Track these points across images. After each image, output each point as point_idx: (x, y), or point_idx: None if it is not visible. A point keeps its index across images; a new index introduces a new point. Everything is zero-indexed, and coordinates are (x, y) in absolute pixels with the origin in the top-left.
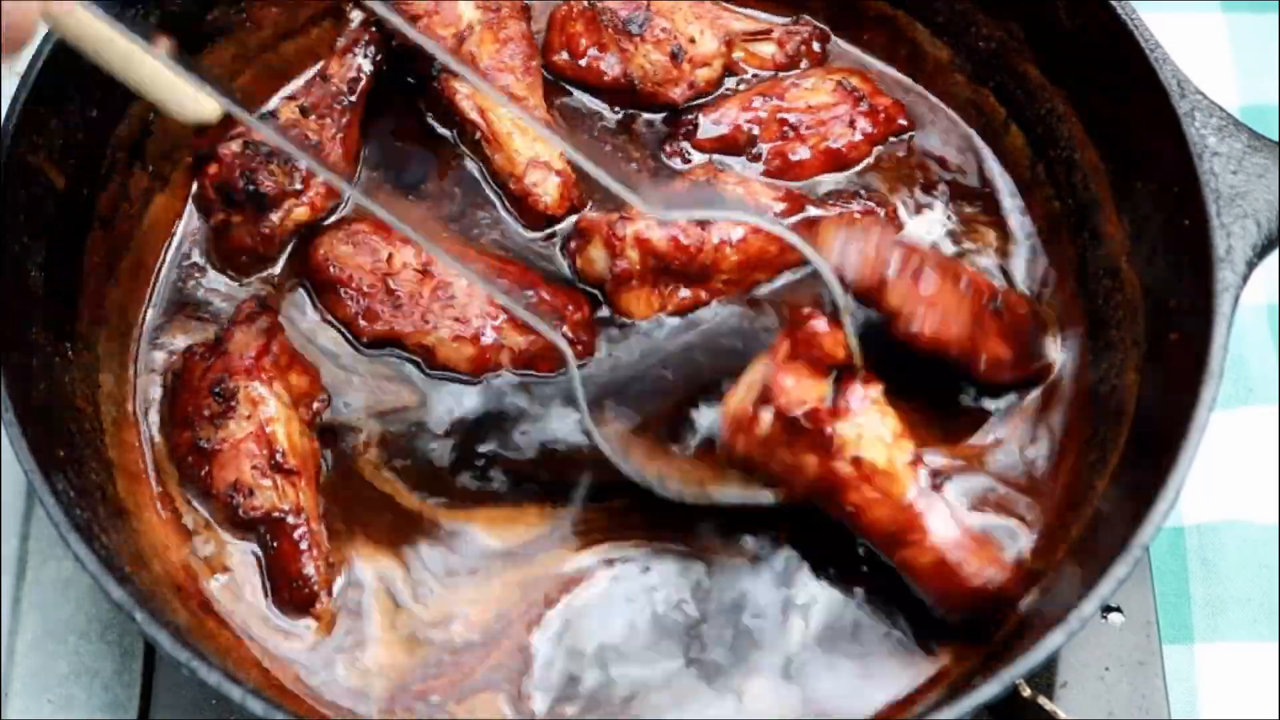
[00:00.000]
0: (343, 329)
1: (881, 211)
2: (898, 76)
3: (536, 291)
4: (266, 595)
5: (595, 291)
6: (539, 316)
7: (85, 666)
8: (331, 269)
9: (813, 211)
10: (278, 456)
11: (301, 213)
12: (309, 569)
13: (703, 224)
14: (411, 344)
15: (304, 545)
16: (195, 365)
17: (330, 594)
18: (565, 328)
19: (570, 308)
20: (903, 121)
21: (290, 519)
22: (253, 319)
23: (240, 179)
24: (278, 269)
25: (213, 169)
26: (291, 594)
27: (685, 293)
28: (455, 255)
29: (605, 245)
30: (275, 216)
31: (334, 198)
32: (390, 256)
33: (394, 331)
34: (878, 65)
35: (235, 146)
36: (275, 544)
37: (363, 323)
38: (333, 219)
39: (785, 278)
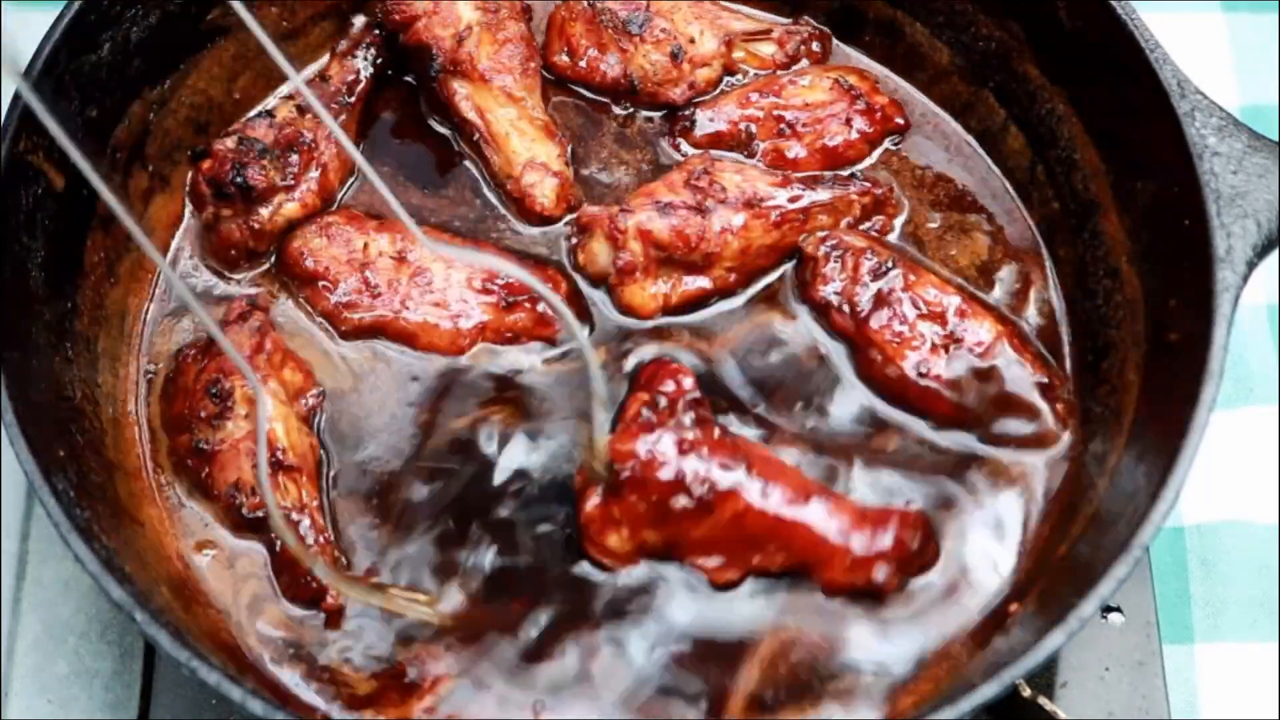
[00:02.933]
0: (325, 322)
1: (879, 193)
2: (895, 82)
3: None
4: (275, 591)
5: (596, 292)
6: (515, 296)
7: (85, 666)
8: (307, 263)
9: (809, 196)
10: (278, 454)
11: (292, 209)
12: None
13: (703, 212)
14: (393, 331)
15: (309, 541)
16: (189, 367)
17: None
18: (543, 305)
19: (548, 285)
20: (900, 120)
21: (294, 515)
22: (244, 318)
23: (230, 172)
24: (268, 265)
25: (206, 164)
26: (298, 590)
27: (690, 283)
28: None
29: (608, 238)
30: (265, 212)
31: (327, 195)
32: (366, 246)
33: (375, 320)
34: (876, 69)
35: (230, 143)
36: (281, 542)
37: (344, 314)
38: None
39: (783, 269)
